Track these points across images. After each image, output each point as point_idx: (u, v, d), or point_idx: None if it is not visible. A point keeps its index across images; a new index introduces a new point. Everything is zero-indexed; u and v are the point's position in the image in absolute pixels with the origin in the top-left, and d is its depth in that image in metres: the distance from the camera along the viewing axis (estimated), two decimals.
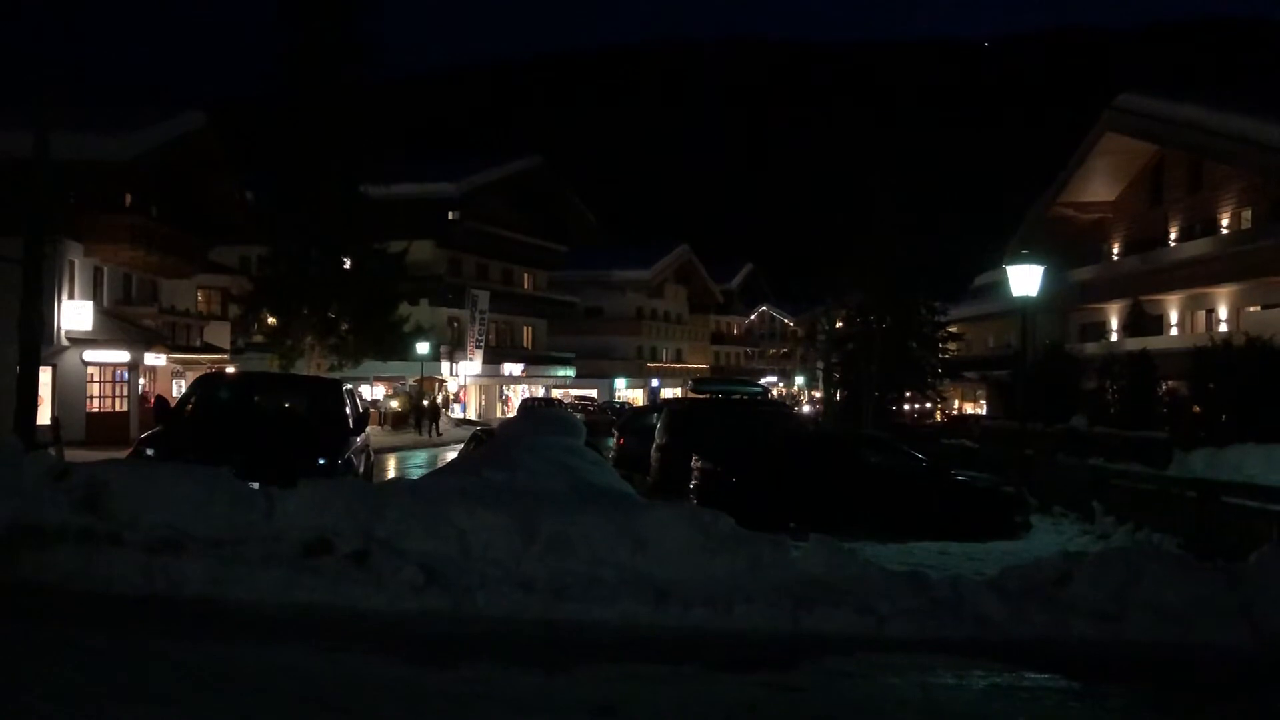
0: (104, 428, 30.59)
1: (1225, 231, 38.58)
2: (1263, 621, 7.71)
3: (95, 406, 31.80)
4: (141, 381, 34.43)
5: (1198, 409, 23.97)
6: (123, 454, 13.04)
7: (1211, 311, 39.64)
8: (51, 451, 16.60)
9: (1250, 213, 37.65)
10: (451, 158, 65.70)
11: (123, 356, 32.54)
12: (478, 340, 55.33)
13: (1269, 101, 35.89)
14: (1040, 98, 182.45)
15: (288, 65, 34.54)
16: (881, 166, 42.68)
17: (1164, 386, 29.18)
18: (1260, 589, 8.07)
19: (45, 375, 29.84)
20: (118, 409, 32.50)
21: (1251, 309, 35.78)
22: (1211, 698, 6.63)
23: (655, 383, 78.77)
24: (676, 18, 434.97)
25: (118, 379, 32.69)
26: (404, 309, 38.45)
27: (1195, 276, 38.76)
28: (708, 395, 27.28)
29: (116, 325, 33.27)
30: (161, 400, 13.88)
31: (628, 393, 75.76)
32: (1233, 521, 12.03)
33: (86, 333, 31.27)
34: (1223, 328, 35.83)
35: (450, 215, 57.77)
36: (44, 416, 21.80)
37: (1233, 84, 58.18)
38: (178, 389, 35.66)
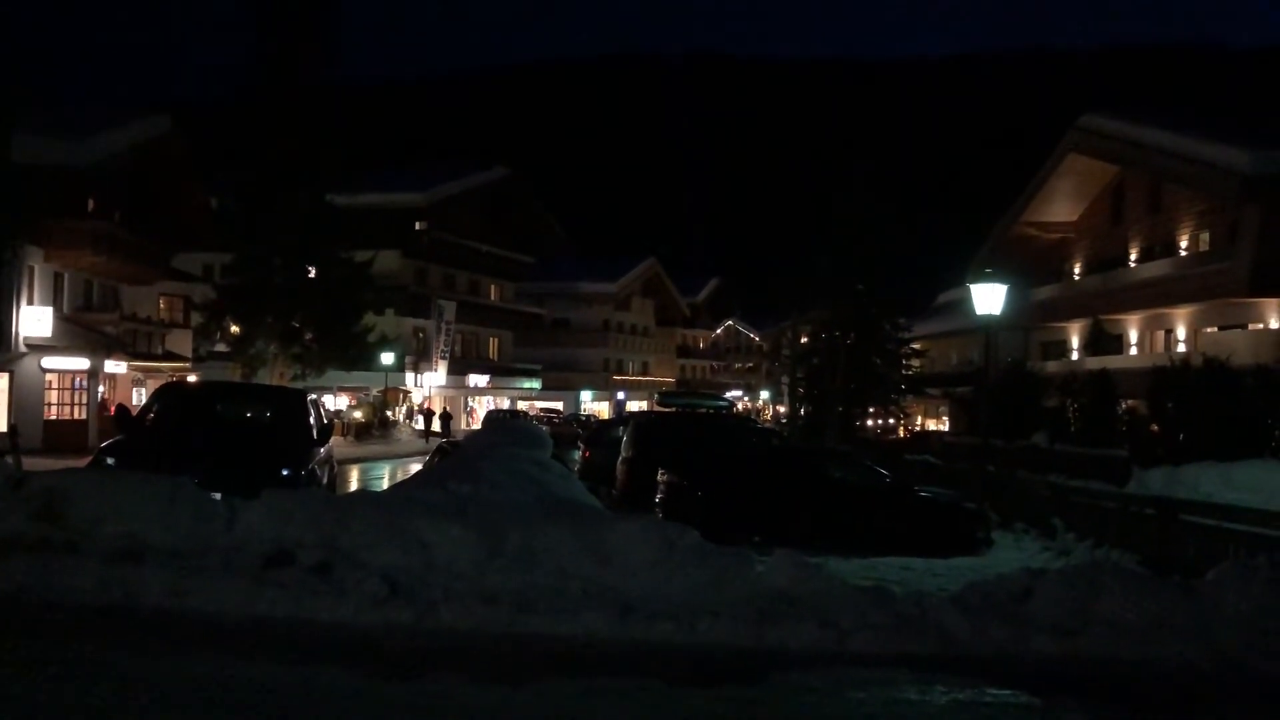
0: (62, 436, 30.11)
1: (1184, 253, 39.15)
2: (1220, 638, 7.81)
3: (53, 414, 31.30)
4: (101, 389, 33.96)
5: (1156, 428, 24.29)
6: (81, 463, 12.85)
7: (1170, 332, 40.15)
8: (9, 459, 16.37)
9: (1208, 235, 38.24)
10: (419, 168, 65.49)
11: (82, 364, 32.08)
12: (443, 351, 55.06)
13: (1226, 126, 36.53)
14: (1002, 118, 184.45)
15: (255, 72, 34.41)
16: (846, 182, 42.91)
17: (1123, 405, 29.58)
18: (1217, 606, 8.18)
19: (2, 382, 29.45)
20: (76, 417, 32.04)
21: (1209, 330, 36.31)
22: (1169, 714, 6.71)
23: (621, 395, 78.66)
24: (642, 33, 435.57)
25: (77, 386, 32.24)
26: (369, 319, 38.25)
27: (1154, 297, 39.25)
28: (674, 409, 27.37)
29: (76, 332, 32.81)
30: (122, 409, 13.66)
31: (594, 405, 75.62)
32: (1191, 539, 12.19)
33: (45, 339, 30.78)
34: (1181, 348, 36.33)
35: (417, 225, 57.59)
36: (1, 424, 21.45)
37: (1192, 108, 59.17)
38: (138, 397, 35.18)
